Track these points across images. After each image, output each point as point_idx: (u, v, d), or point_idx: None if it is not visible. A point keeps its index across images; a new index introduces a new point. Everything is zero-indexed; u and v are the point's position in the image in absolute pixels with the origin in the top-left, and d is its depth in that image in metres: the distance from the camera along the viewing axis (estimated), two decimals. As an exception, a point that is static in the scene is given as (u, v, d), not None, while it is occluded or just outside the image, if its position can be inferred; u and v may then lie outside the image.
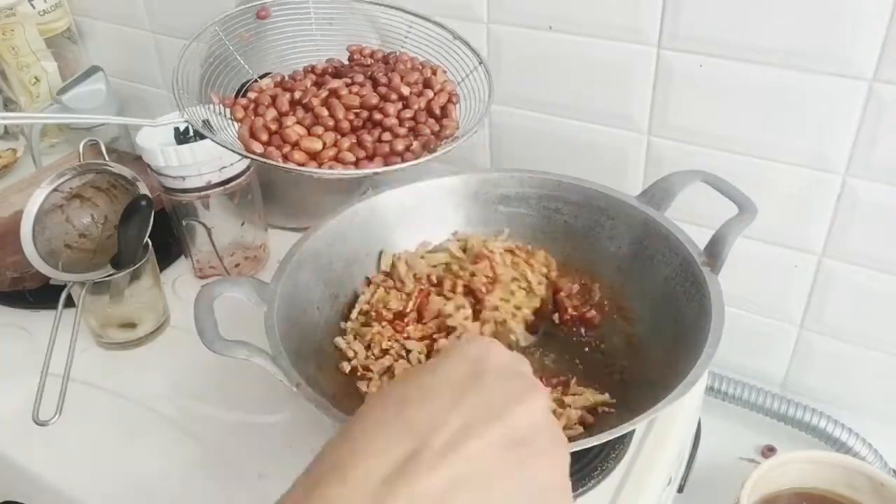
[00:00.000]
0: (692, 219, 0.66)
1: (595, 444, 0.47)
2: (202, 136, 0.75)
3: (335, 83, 0.57)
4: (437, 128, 0.56)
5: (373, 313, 0.63)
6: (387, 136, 0.54)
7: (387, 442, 0.27)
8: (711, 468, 0.71)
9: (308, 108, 0.56)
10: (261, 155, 0.53)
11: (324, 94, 0.56)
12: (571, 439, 0.53)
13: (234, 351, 0.52)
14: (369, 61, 0.61)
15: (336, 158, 0.53)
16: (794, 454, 0.65)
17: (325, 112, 0.55)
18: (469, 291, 0.64)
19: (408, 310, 0.63)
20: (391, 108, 0.55)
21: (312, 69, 0.61)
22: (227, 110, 0.56)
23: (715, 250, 0.57)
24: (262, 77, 0.60)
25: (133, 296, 0.72)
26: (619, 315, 0.64)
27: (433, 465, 0.26)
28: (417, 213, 0.70)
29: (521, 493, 0.28)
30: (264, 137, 0.54)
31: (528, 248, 0.68)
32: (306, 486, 0.27)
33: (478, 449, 0.27)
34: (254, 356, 0.52)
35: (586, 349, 0.64)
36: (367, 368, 0.60)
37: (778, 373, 0.78)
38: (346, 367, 0.60)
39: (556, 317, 0.65)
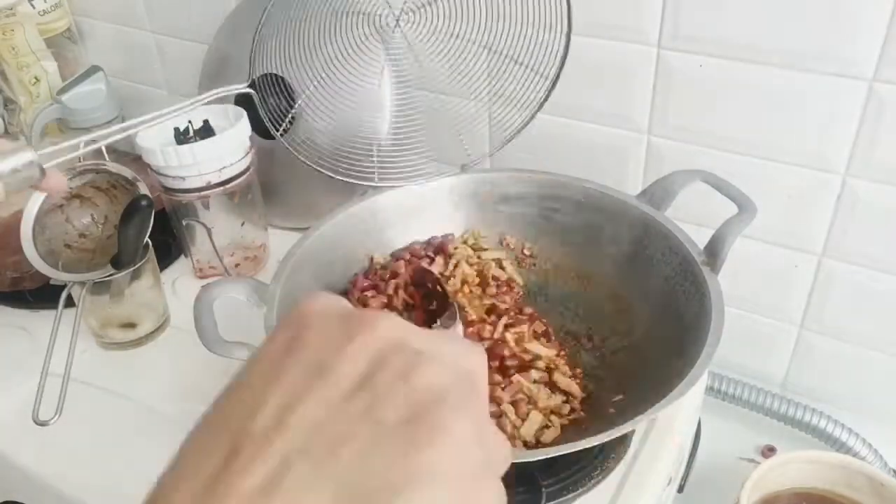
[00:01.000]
0: (692, 219, 0.66)
1: (595, 444, 0.47)
2: (202, 136, 0.75)
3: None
4: None
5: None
6: None
7: (203, 448, 0.23)
8: (711, 468, 0.71)
9: None
10: None
11: None
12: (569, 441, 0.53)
13: (234, 352, 0.52)
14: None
15: None
16: (794, 454, 0.65)
17: None
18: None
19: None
20: None
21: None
22: None
23: (715, 250, 0.57)
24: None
25: (133, 296, 0.72)
26: (618, 315, 0.64)
27: (255, 455, 0.22)
28: (417, 214, 0.70)
29: (375, 444, 0.22)
30: None
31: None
32: None
33: (304, 414, 0.22)
34: (253, 356, 0.52)
35: (586, 349, 0.64)
36: None
37: (778, 373, 0.78)
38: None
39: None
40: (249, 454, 0.22)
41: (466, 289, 0.66)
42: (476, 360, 0.26)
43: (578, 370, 0.61)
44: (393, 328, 0.25)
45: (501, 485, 0.24)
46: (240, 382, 0.25)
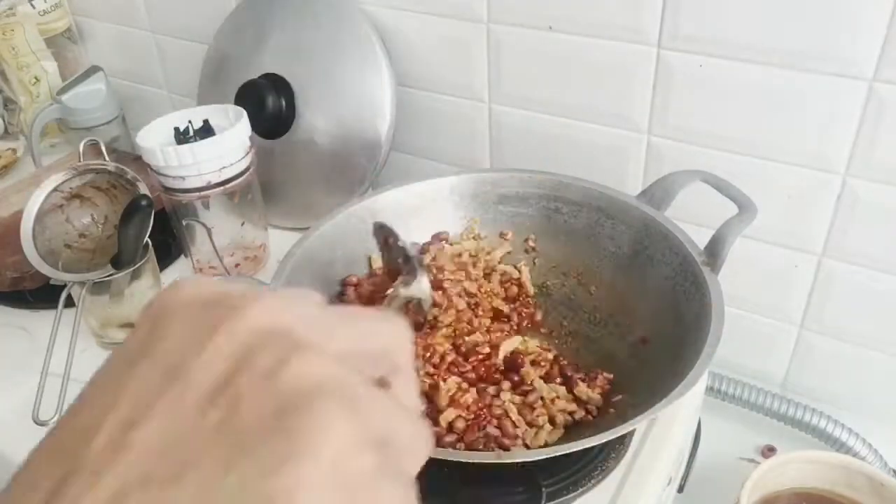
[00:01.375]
0: (692, 219, 0.66)
1: (595, 444, 0.47)
2: (202, 136, 0.75)
3: None
4: None
5: None
6: None
7: (31, 479, 0.19)
8: (711, 468, 0.71)
9: None
10: None
11: None
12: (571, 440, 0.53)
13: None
14: None
15: None
16: (794, 454, 0.65)
17: None
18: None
19: None
20: None
21: None
22: None
23: (715, 250, 0.57)
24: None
25: (133, 296, 0.72)
26: (618, 314, 0.64)
27: (85, 486, 0.18)
28: (417, 214, 0.70)
29: (236, 463, 0.18)
30: None
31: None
32: None
33: (148, 433, 0.18)
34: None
35: (586, 349, 0.64)
36: None
37: (778, 373, 0.78)
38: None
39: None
40: (80, 485, 0.18)
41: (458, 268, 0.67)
42: (391, 337, 0.22)
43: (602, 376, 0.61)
44: (268, 312, 0.20)
45: (408, 489, 0.20)
46: (78, 400, 0.20)
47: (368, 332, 0.22)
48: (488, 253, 0.70)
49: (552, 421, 0.56)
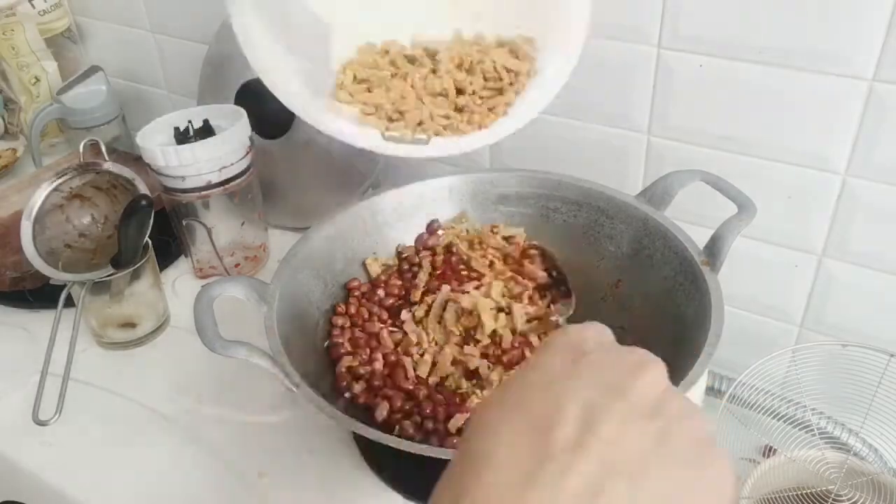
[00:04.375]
0: (692, 219, 0.66)
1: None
2: (202, 136, 0.75)
3: None
4: None
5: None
6: None
7: (506, 454, 0.24)
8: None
9: None
10: None
11: None
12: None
13: (234, 351, 0.52)
14: None
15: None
16: (794, 454, 0.65)
17: None
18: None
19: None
20: None
21: None
22: None
23: (714, 249, 0.57)
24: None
25: (133, 296, 0.72)
26: (618, 314, 0.64)
27: (566, 467, 0.23)
28: (417, 213, 0.70)
29: (675, 463, 0.25)
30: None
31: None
32: None
33: (610, 432, 0.24)
34: (254, 356, 0.52)
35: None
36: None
37: (778, 372, 0.77)
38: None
39: None
40: (560, 466, 0.23)
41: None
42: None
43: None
44: (664, 375, 0.28)
45: None
46: (531, 382, 0.27)
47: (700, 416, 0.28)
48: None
49: None
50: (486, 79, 0.54)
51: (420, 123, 0.53)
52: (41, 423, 0.61)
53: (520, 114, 0.54)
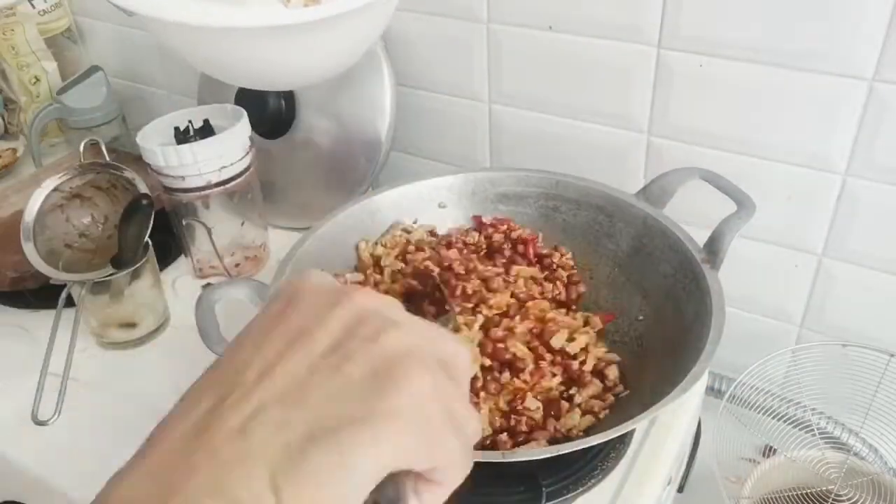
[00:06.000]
0: (691, 219, 0.66)
1: (595, 443, 0.47)
2: (202, 136, 0.75)
3: None
4: None
5: None
6: None
7: (196, 398, 0.26)
8: (711, 468, 0.71)
9: None
10: None
11: None
12: (571, 439, 0.53)
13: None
14: None
15: None
16: (794, 454, 0.65)
17: None
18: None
19: None
20: None
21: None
22: None
23: (714, 247, 0.57)
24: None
25: (133, 296, 0.72)
26: (619, 313, 0.64)
27: (237, 402, 0.25)
28: (417, 213, 0.70)
29: (342, 391, 0.25)
30: None
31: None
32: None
33: (284, 371, 0.26)
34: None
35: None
36: None
37: (778, 372, 0.77)
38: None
39: None
40: (233, 401, 0.25)
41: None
42: (455, 349, 0.29)
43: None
44: (370, 299, 0.29)
45: (468, 447, 0.28)
46: (234, 346, 0.28)
47: (441, 339, 0.29)
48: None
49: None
50: None
51: None
52: (41, 423, 0.61)
53: None
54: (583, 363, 0.58)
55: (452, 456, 0.27)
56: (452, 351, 0.29)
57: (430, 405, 0.26)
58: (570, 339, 0.60)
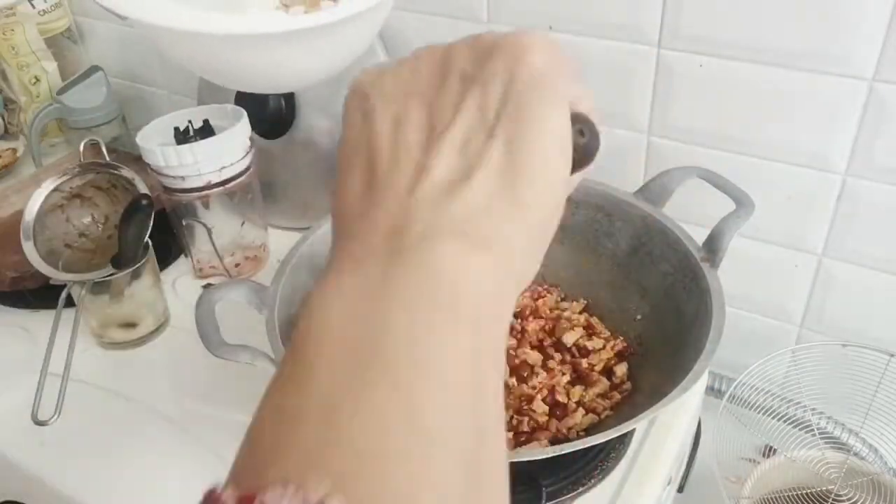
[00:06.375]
0: (691, 218, 0.66)
1: (595, 443, 0.47)
2: (202, 136, 0.75)
3: None
4: None
5: None
6: None
7: (350, 163, 0.28)
8: (711, 468, 0.71)
9: None
10: None
11: None
12: (571, 439, 0.53)
13: (238, 355, 0.52)
14: None
15: None
16: (794, 454, 0.65)
17: None
18: None
19: None
20: None
21: None
22: None
23: (714, 246, 0.57)
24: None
25: (133, 296, 0.72)
26: (619, 312, 0.64)
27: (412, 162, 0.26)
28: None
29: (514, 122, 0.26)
30: None
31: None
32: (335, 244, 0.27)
33: (453, 129, 0.26)
34: (257, 360, 0.52)
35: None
36: None
37: (778, 372, 0.77)
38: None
39: None
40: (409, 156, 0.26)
41: None
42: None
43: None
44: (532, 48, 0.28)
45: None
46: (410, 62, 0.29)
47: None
48: None
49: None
50: None
51: None
52: (40, 423, 0.61)
53: None
54: (593, 365, 0.59)
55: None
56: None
57: (567, 128, 0.29)
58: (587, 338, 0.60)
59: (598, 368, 0.58)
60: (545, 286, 0.67)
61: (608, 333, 0.63)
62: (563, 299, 0.67)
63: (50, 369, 0.66)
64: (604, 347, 0.61)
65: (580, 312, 0.64)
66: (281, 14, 0.55)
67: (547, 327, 0.60)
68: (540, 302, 0.63)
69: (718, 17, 0.63)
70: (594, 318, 0.64)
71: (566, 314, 0.63)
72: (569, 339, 0.59)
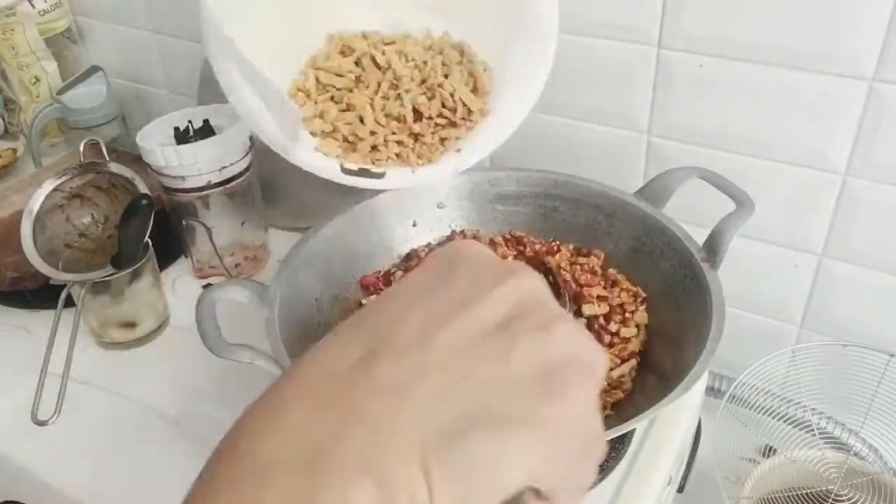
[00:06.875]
0: (691, 218, 0.66)
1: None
2: (202, 136, 0.75)
3: None
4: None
5: None
6: None
7: (340, 348, 0.24)
8: (711, 468, 0.71)
9: None
10: None
11: None
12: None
13: (238, 355, 0.52)
14: None
15: None
16: (794, 454, 0.65)
17: None
18: None
19: None
20: None
21: None
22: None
23: (714, 246, 0.57)
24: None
25: (133, 296, 0.72)
26: (619, 311, 0.64)
27: (392, 360, 0.23)
28: (416, 213, 0.70)
29: (509, 382, 0.23)
30: None
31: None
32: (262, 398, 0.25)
33: (446, 337, 0.24)
34: (257, 359, 0.52)
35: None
36: None
37: (778, 372, 0.77)
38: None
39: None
40: (387, 359, 0.23)
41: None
42: (603, 360, 0.27)
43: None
44: (535, 282, 0.26)
45: (594, 472, 0.25)
46: (384, 301, 0.26)
47: (591, 342, 0.26)
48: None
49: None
50: (443, 105, 0.56)
51: (374, 148, 0.56)
52: (40, 423, 0.61)
53: (470, 153, 0.57)
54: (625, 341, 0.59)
55: (585, 481, 0.25)
56: (602, 362, 0.26)
57: (587, 425, 0.24)
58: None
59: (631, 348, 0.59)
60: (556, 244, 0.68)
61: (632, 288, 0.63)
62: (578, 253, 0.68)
63: (50, 369, 0.66)
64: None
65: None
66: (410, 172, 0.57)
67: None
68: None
69: (718, 17, 0.63)
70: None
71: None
72: (588, 309, 0.59)
